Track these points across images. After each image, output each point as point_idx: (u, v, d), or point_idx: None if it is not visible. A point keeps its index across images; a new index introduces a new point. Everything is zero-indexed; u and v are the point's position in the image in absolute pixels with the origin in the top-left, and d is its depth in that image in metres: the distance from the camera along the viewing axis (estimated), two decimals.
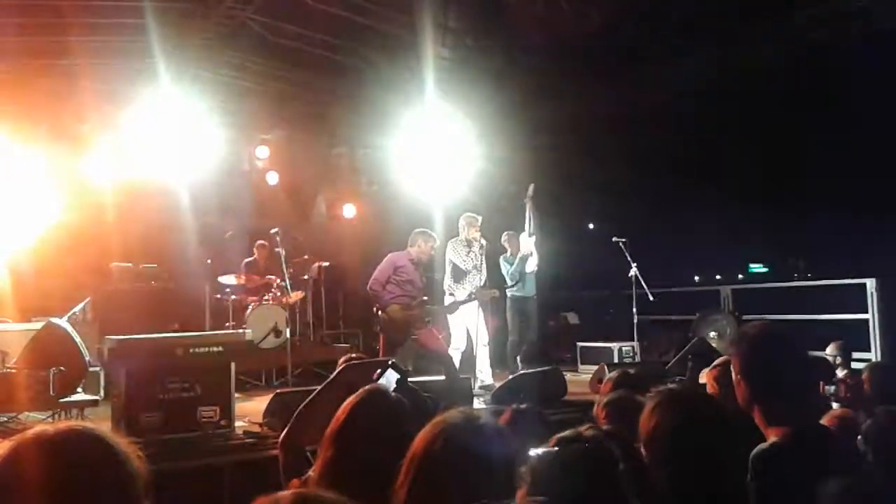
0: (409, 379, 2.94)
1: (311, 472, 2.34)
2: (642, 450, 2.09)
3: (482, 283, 7.95)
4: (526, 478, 1.80)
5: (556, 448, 1.79)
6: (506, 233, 9.01)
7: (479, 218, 8.10)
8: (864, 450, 2.74)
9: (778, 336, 2.40)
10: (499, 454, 1.78)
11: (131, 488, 1.41)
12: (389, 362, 2.99)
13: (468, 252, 8.01)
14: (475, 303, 7.90)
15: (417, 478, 1.73)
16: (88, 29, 8.35)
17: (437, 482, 1.71)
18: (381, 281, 7.40)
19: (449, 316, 8.06)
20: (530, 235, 8.77)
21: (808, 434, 2.23)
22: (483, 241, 7.93)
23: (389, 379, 2.78)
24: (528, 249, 8.73)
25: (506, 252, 8.97)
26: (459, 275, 8.01)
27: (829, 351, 6.48)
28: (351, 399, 2.34)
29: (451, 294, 8.02)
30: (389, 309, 7.32)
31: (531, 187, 8.80)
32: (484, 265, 7.97)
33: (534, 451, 1.82)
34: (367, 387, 2.44)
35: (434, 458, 1.74)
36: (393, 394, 2.46)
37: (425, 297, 7.61)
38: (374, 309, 7.43)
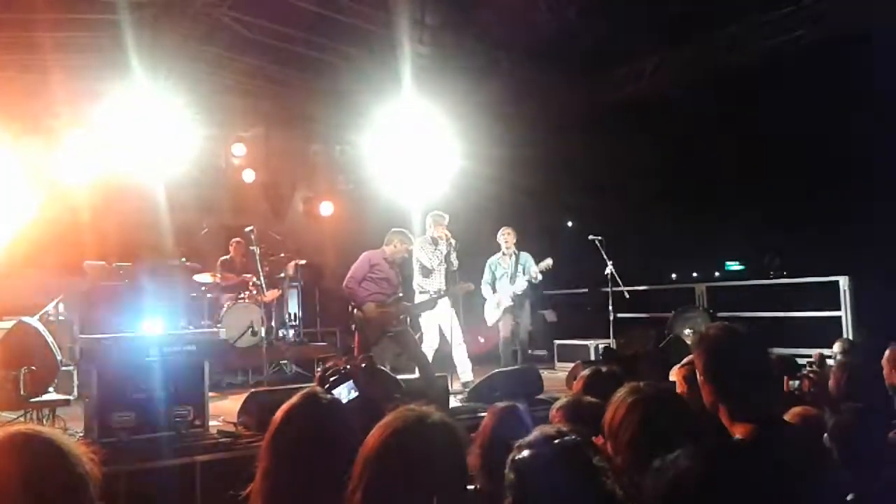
0: None
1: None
2: (607, 443, 2.11)
3: (454, 280, 7.92)
4: (511, 477, 1.82)
5: (537, 448, 1.81)
6: (503, 228, 8.87)
7: (446, 216, 8.12)
8: (831, 447, 2.78)
9: (736, 336, 2.44)
10: (451, 452, 1.78)
11: (82, 490, 1.40)
12: (346, 369, 2.92)
13: (434, 250, 8.06)
14: (447, 301, 7.94)
15: (371, 479, 1.72)
16: (62, 24, 8.25)
17: (390, 482, 1.70)
18: (357, 279, 7.37)
19: (422, 315, 8.08)
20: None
21: (771, 431, 2.26)
22: (453, 241, 7.89)
23: (342, 391, 2.72)
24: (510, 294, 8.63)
25: (499, 250, 8.88)
26: (426, 273, 8.05)
27: (836, 348, 6.51)
28: (284, 406, 2.25)
29: (423, 292, 8.04)
30: (365, 307, 7.30)
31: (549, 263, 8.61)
32: (453, 262, 7.91)
33: (517, 453, 1.84)
34: (302, 391, 2.35)
35: (387, 458, 1.73)
36: (328, 397, 2.37)
37: (401, 294, 7.60)
38: (350, 307, 7.41)
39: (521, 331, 8.66)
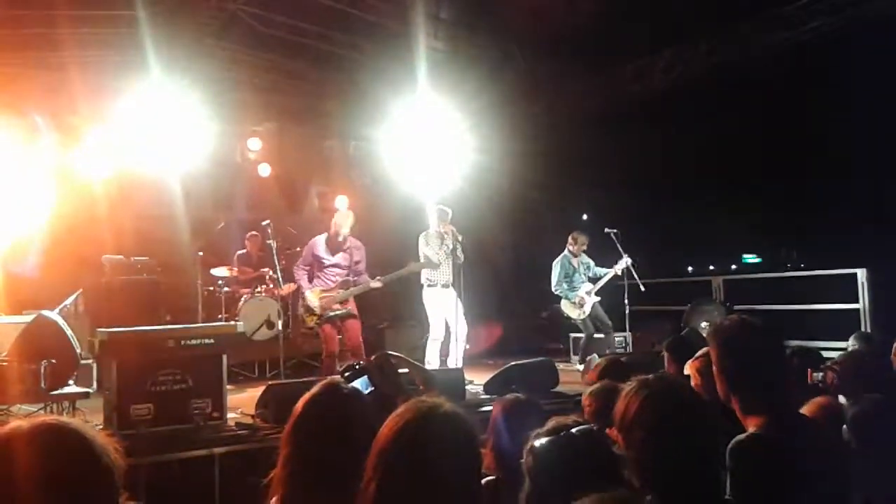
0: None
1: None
2: (619, 436, 2.11)
3: (458, 266, 8.16)
4: (529, 462, 1.83)
5: (556, 436, 1.82)
6: (576, 233, 9.34)
7: (450, 212, 8.27)
8: (849, 438, 2.76)
9: (751, 329, 2.44)
10: (463, 443, 1.79)
11: (107, 481, 1.42)
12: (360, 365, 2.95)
13: (440, 244, 8.20)
14: (452, 294, 8.12)
15: (384, 472, 1.72)
16: (79, 21, 8.31)
17: (403, 474, 1.70)
18: (303, 265, 7.61)
19: (428, 306, 8.24)
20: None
21: (785, 423, 2.25)
22: (459, 236, 8.07)
23: (357, 386, 2.74)
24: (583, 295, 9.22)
25: (566, 252, 9.34)
26: (433, 266, 8.17)
27: (851, 342, 6.44)
28: (305, 395, 2.29)
29: (431, 285, 8.20)
30: (306, 294, 7.52)
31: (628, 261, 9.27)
32: (460, 256, 8.11)
33: (535, 440, 1.85)
34: (323, 381, 2.39)
35: (400, 450, 1.73)
36: (348, 387, 2.40)
37: (351, 278, 7.66)
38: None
39: (605, 319, 9.28)
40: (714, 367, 2.43)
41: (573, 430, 1.83)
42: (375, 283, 7.69)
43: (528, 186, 11.95)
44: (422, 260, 8.24)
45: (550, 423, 1.89)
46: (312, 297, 7.49)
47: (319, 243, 7.64)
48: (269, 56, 10.04)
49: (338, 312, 7.47)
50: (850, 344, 6.11)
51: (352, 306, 7.64)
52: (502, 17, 9.34)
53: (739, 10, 8.74)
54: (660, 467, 1.94)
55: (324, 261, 7.57)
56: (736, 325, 2.49)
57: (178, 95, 8.93)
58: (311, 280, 7.60)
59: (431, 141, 9.60)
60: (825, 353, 4.79)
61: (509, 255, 13.00)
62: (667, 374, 2.43)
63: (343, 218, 7.65)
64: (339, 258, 7.60)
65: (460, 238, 8.07)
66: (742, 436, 2.22)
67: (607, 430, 2.12)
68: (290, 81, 10.79)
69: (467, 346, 8.50)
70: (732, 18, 8.94)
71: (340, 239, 7.60)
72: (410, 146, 9.72)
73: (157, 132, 9.03)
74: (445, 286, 8.15)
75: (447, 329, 8.15)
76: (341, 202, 12.41)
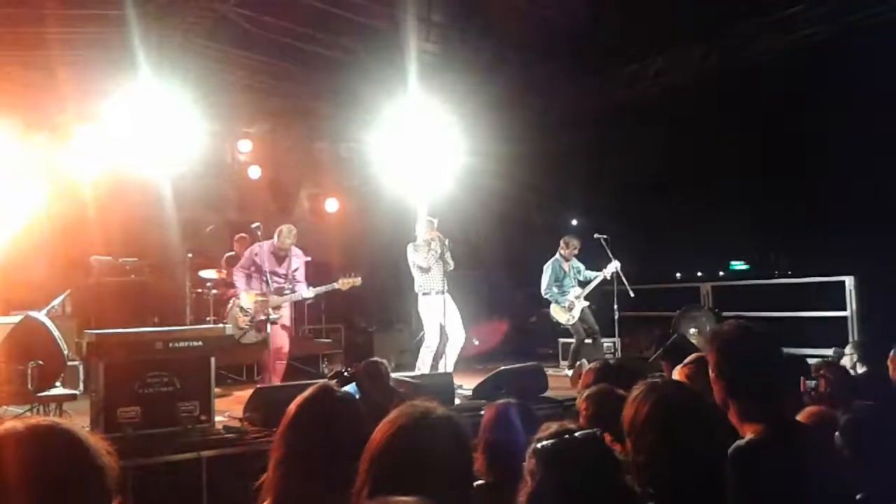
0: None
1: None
2: (627, 440, 2.11)
3: (449, 278, 8.29)
4: (531, 466, 1.82)
5: (559, 439, 1.81)
6: (568, 238, 9.40)
7: (435, 220, 8.43)
8: (841, 446, 2.76)
9: (750, 334, 2.43)
10: (456, 447, 1.78)
11: (101, 482, 1.40)
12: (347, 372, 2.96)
13: (428, 251, 8.31)
14: (445, 299, 8.18)
15: (377, 476, 1.71)
16: (68, 20, 8.25)
17: (397, 478, 1.69)
18: (243, 268, 7.81)
19: (424, 314, 8.35)
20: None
21: (783, 431, 2.24)
22: (446, 241, 8.28)
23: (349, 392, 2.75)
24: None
25: (557, 256, 9.38)
26: (425, 271, 8.33)
27: (847, 350, 6.46)
28: (298, 398, 2.28)
29: (426, 293, 8.29)
30: (241, 295, 7.76)
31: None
32: (449, 262, 8.28)
33: (538, 443, 1.84)
34: (316, 384, 2.38)
35: (393, 454, 1.72)
36: (342, 391, 2.40)
37: (287, 286, 7.84)
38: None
39: (594, 324, 9.26)
40: (711, 373, 2.42)
41: (576, 434, 1.83)
42: (308, 293, 7.94)
43: (520, 189, 11.96)
44: (412, 269, 8.33)
45: (553, 427, 1.89)
46: (247, 300, 7.76)
47: (261, 250, 7.85)
48: (260, 57, 10.00)
49: (271, 317, 7.64)
50: (848, 352, 6.14)
51: (286, 312, 7.90)
52: (494, 20, 9.34)
53: (737, 14, 8.74)
54: (669, 470, 1.94)
55: (263, 267, 7.77)
56: (735, 330, 2.48)
57: (167, 96, 8.87)
58: (248, 283, 7.82)
59: (423, 143, 9.59)
60: (813, 361, 4.83)
61: (500, 258, 13.01)
62: (673, 379, 2.42)
63: (286, 231, 7.87)
64: (279, 267, 7.86)
65: (447, 242, 8.23)
66: (742, 442, 2.21)
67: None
68: (281, 83, 10.76)
69: (476, 342, 8.66)
70: (728, 23, 8.95)
71: (283, 252, 7.86)
72: (402, 149, 9.71)
73: (146, 133, 8.97)
74: (440, 293, 8.22)
75: (442, 336, 8.18)
76: (332, 205, 12.42)
